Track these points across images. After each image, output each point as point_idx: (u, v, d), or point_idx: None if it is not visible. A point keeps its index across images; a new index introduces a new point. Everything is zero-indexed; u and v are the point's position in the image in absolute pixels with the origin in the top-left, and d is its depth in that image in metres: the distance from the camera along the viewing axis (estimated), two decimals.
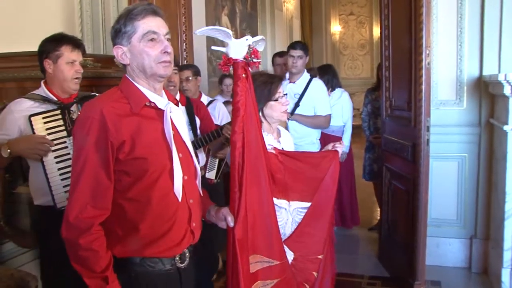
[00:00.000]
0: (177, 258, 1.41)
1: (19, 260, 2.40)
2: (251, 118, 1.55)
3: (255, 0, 7.03)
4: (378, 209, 4.05)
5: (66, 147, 1.96)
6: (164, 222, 1.36)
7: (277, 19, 7.90)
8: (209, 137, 2.48)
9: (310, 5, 10.72)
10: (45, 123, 1.93)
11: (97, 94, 2.05)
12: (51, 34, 2.04)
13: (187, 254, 1.44)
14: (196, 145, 2.51)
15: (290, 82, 3.35)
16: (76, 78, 2.02)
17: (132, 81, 1.38)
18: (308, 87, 3.32)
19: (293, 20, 9.06)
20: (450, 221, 3.28)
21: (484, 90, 3.10)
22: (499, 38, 3.01)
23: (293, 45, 3.32)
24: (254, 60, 1.51)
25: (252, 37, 1.53)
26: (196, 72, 2.97)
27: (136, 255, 1.35)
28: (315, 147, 3.28)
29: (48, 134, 1.93)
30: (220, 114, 3.02)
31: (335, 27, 11.31)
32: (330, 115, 3.35)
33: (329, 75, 4.02)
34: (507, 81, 2.60)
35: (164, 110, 1.39)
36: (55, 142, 1.93)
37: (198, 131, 2.64)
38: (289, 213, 1.89)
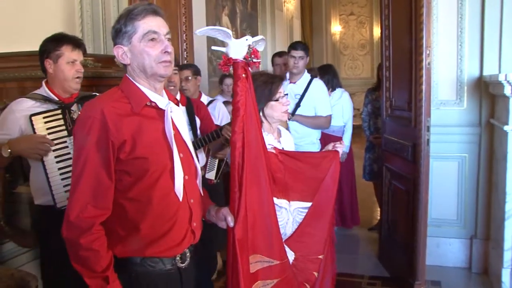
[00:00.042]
0: (178, 258, 1.41)
1: (19, 260, 2.40)
2: (251, 118, 1.55)
3: (256, 0, 7.03)
4: (378, 209, 4.05)
5: (67, 146, 1.96)
6: (165, 222, 1.36)
7: (278, 19, 7.90)
8: (209, 138, 2.48)
9: (311, 5, 10.72)
10: (45, 122, 1.94)
11: (97, 94, 2.05)
12: (52, 34, 2.04)
13: (188, 254, 1.44)
14: (196, 145, 2.51)
15: (290, 82, 3.35)
16: (77, 77, 2.03)
17: (133, 81, 1.38)
18: (309, 88, 3.31)
19: (293, 20, 9.06)
20: (450, 221, 3.28)
21: (485, 90, 3.10)
22: (499, 38, 3.01)
23: (294, 46, 3.31)
24: (254, 60, 1.51)
25: (252, 37, 1.53)
26: (196, 72, 2.96)
27: (136, 255, 1.35)
28: (315, 147, 3.28)
29: (49, 133, 1.93)
30: (220, 114, 3.02)
31: (336, 27, 11.31)
32: (330, 115, 3.35)
33: (329, 75, 4.02)
34: (508, 81, 2.60)
35: (164, 110, 1.39)
36: (56, 141, 1.93)
37: (198, 131, 2.64)
38: (290, 213, 1.89)
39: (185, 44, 3.34)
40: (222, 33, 1.47)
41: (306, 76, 3.36)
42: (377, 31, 10.59)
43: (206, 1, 5.02)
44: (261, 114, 1.94)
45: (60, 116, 1.98)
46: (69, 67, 2.00)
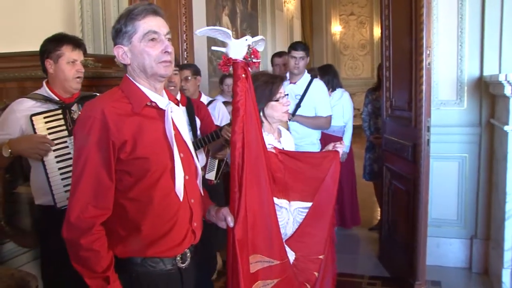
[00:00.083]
0: (178, 258, 1.41)
1: (19, 260, 2.40)
2: (251, 118, 1.55)
3: (256, 0, 7.03)
4: (379, 209, 4.05)
5: (67, 146, 1.96)
6: (166, 222, 1.36)
7: (278, 19, 7.90)
8: (208, 138, 2.47)
9: (311, 5, 10.72)
10: (46, 122, 1.94)
11: (98, 94, 2.05)
12: (52, 34, 2.04)
13: (188, 254, 1.44)
14: (195, 146, 2.51)
15: (290, 82, 3.34)
16: (78, 77, 2.03)
17: (133, 81, 1.38)
18: (309, 88, 3.31)
19: (293, 20, 9.06)
20: (451, 221, 3.28)
21: (485, 90, 3.10)
22: (499, 38, 3.01)
23: (294, 46, 3.29)
24: (254, 60, 1.51)
25: (252, 37, 1.53)
26: (196, 72, 2.95)
27: (137, 255, 1.35)
28: (315, 147, 3.28)
29: (49, 133, 1.93)
30: (220, 114, 3.01)
31: (336, 27, 11.31)
32: (330, 116, 3.35)
33: (329, 75, 4.02)
34: (508, 81, 2.60)
35: (165, 110, 1.39)
36: (56, 141, 1.93)
37: (198, 132, 2.64)
38: (290, 213, 1.89)
39: (185, 44, 3.34)
40: (222, 33, 1.47)
41: (306, 76, 3.36)
42: (377, 31, 10.59)
43: (206, 1, 5.02)
44: (261, 114, 1.94)
45: (61, 116, 1.98)
46: (70, 67, 2.00)
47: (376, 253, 3.57)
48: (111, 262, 1.30)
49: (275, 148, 1.91)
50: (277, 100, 1.95)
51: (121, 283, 1.31)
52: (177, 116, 1.43)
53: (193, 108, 2.64)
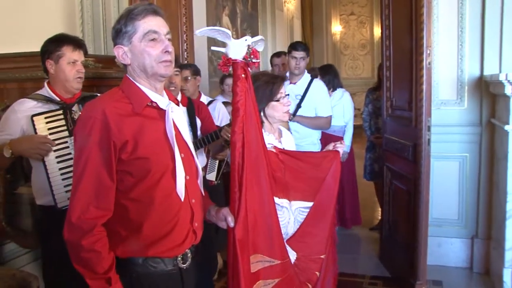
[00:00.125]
0: (179, 258, 1.41)
1: (21, 260, 2.41)
2: (251, 118, 1.55)
3: (256, 0, 7.03)
4: (379, 209, 4.06)
5: (68, 147, 1.96)
6: (167, 222, 1.35)
7: (278, 19, 7.90)
8: (208, 139, 2.47)
9: (311, 5, 10.72)
10: (47, 123, 1.94)
11: (98, 95, 2.05)
12: (52, 34, 2.05)
13: (189, 255, 1.44)
14: (195, 146, 2.51)
15: (290, 83, 3.33)
16: (79, 77, 2.03)
17: (133, 81, 1.38)
18: (309, 88, 3.31)
19: (293, 20, 9.06)
20: (452, 221, 3.28)
21: (485, 90, 3.10)
22: (500, 38, 3.01)
23: (295, 46, 3.28)
24: (254, 60, 1.51)
25: (252, 37, 1.53)
26: (195, 72, 2.95)
27: (138, 255, 1.35)
28: (316, 147, 3.28)
29: (50, 134, 1.94)
30: (220, 114, 3.01)
31: (336, 27, 11.31)
32: (331, 116, 3.35)
33: (330, 75, 4.02)
34: (508, 81, 2.60)
35: (165, 110, 1.39)
36: (57, 142, 1.94)
37: (199, 132, 2.64)
38: (291, 212, 1.89)
39: (185, 44, 3.34)
40: (221, 33, 1.47)
41: (307, 76, 3.36)
42: (377, 31, 10.59)
43: (207, 1, 5.03)
44: (262, 114, 1.94)
45: (62, 117, 1.98)
46: (70, 67, 2.01)
47: (377, 253, 3.57)
48: (113, 263, 1.30)
49: (275, 147, 1.91)
50: (277, 100, 1.95)
51: (122, 283, 1.31)
52: (177, 116, 1.43)
53: (194, 109, 2.64)
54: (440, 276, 3.11)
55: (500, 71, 2.97)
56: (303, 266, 1.88)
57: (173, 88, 2.44)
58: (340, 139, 2.44)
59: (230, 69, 1.52)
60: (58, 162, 1.93)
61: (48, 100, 2.01)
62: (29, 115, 1.93)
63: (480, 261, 3.18)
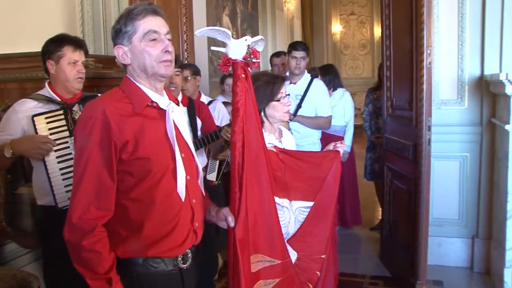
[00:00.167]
0: (180, 258, 1.41)
1: (21, 260, 2.41)
2: (251, 118, 1.55)
3: (256, 0, 7.03)
4: (380, 208, 4.06)
5: (68, 147, 1.97)
6: (167, 222, 1.35)
7: (278, 19, 7.90)
8: (207, 139, 2.47)
9: (311, 5, 10.72)
10: (47, 123, 1.95)
11: (99, 95, 2.06)
12: (52, 34, 2.05)
13: (190, 255, 1.44)
14: (195, 146, 2.51)
15: (290, 83, 3.32)
16: (79, 78, 2.04)
17: (134, 81, 1.38)
18: (310, 88, 3.31)
19: (294, 20, 9.06)
20: (452, 220, 3.27)
21: (486, 89, 3.10)
22: (500, 38, 3.00)
23: (295, 46, 3.27)
24: (254, 60, 1.51)
25: (252, 37, 1.53)
26: (195, 72, 2.95)
27: (139, 255, 1.35)
28: (316, 147, 3.28)
29: (51, 134, 1.94)
30: (220, 114, 3.01)
31: (336, 27, 11.30)
32: (331, 116, 3.34)
33: (331, 75, 4.02)
34: (509, 80, 2.60)
35: (166, 110, 1.38)
36: (58, 142, 1.94)
37: (199, 133, 2.64)
38: (291, 212, 1.89)
39: (185, 44, 3.34)
40: (221, 33, 1.47)
41: (307, 76, 3.36)
42: (377, 31, 10.58)
43: (207, 1, 5.03)
44: (262, 114, 1.94)
45: (62, 117, 1.99)
46: (71, 67, 2.01)
47: (377, 253, 3.57)
48: (113, 263, 1.30)
49: (275, 147, 1.91)
50: (278, 100, 1.95)
51: (122, 284, 1.31)
52: (177, 116, 1.43)
53: (194, 109, 2.64)
54: (440, 276, 3.11)
55: (501, 71, 2.97)
56: (304, 266, 1.88)
57: (173, 88, 2.44)
58: (340, 139, 2.44)
59: (230, 69, 1.52)
60: (58, 162, 1.94)
61: (49, 100, 2.02)
62: (29, 115, 1.93)
63: (480, 261, 3.18)
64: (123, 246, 1.34)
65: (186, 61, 3.31)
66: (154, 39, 1.33)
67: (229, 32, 1.47)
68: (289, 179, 1.89)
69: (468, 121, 3.18)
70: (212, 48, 1.59)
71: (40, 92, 2.05)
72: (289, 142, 2.12)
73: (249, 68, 1.54)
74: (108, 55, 3.20)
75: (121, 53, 1.36)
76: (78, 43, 2.05)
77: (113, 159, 1.28)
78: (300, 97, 3.29)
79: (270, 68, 4.14)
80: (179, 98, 2.53)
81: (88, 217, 1.26)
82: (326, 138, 3.46)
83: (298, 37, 9.22)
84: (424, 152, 2.68)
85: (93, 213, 1.27)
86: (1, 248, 2.36)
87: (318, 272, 1.91)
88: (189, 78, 2.87)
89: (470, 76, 3.14)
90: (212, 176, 2.77)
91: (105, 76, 2.66)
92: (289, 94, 2.03)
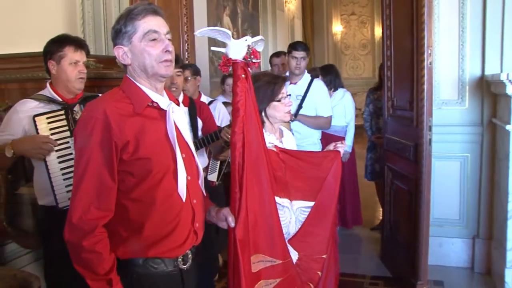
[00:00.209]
0: (180, 259, 1.40)
1: (22, 260, 2.41)
2: (251, 118, 1.55)
3: (257, 1, 7.03)
4: (380, 209, 4.05)
5: (69, 147, 1.97)
6: (168, 222, 1.35)
7: (279, 19, 7.90)
8: (208, 139, 2.47)
9: (312, 5, 10.72)
10: (49, 123, 1.95)
11: (100, 95, 2.06)
12: (53, 35, 2.05)
13: (190, 256, 1.43)
14: (195, 146, 2.51)
15: (291, 83, 3.32)
16: (81, 78, 2.04)
17: (134, 81, 1.38)
18: (310, 89, 3.30)
19: (294, 20, 9.06)
20: (453, 221, 3.27)
21: (486, 89, 3.09)
22: (501, 38, 3.00)
23: (295, 46, 3.27)
24: (254, 60, 1.51)
25: (253, 37, 1.53)
26: (195, 72, 2.95)
27: (139, 255, 1.35)
28: (316, 147, 3.28)
29: (52, 134, 1.95)
30: (220, 114, 3.01)
31: (337, 27, 11.30)
32: (331, 116, 3.34)
33: (331, 75, 4.02)
34: (509, 81, 2.60)
35: (166, 111, 1.38)
36: (58, 142, 1.94)
37: (200, 133, 2.63)
38: (292, 212, 1.89)
39: (186, 44, 3.34)
40: (221, 33, 1.47)
41: (307, 76, 3.35)
42: (378, 31, 10.58)
43: (207, 1, 5.03)
44: (263, 114, 1.94)
45: (63, 117, 1.99)
46: (72, 68, 2.02)
47: (378, 253, 3.56)
48: (114, 264, 1.30)
49: (275, 146, 1.91)
50: (279, 101, 1.95)
51: (122, 285, 1.31)
52: (178, 116, 1.43)
53: (195, 109, 2.64)
54: (441, 276, 3.11)
55: (501, 71, 2.96)
56: (305, 266, 1.87)
57: (174, 88, 2.44)
58: (341, 139, 2.44)
59: (230, 69, 1.52)
60: (59, 162, 1.94)
61: (50, 100, 2.02)
62: (31, 115, 1.93)
63: (481, 261, 3.18)
64: (123, 246, 1.33)
65: (187, 61, 3.31)
66: (154, 39, 1.33)
67: (229, 32, 1.47)
68: (290, 179, 1.89)
69: (469, 121, 3.18)
70: (212, 48, 1.59)
71: (42, 92, 2.06)
72: (289, 142, 2.12)
73: (249, 68, 1.54)
74: (109, 55, 3.21)
75: (121, 53, 1.36)
76: (79, 43, 2.06)
77: (113, 159, 1.28)
78: (300, 98, 3.29)
79: (270, 68, 4.14)
80: (181, 98, 2.53)
81: (89, 218, 1.26)
82: (327, 138, 3.45)
83: (298, 37, 9.22)
84: (425, 152, 2.68)
85: (94, 214, 1.26)
86: (2, 248, 2.36)
87: (319, 272, 1.91)
88: (189, 78, 2.87)
89: (471, 76, 3.14)
90: (213, 177, 2.78)
91: (106, 76, 2.67)
92: (290, 95, 2.03)
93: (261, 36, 1.58)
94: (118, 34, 1.34)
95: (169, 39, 1.37)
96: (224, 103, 3.26)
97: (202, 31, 1.49)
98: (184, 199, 1.37)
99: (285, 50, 3.58)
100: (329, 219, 1.98)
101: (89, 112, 1.31)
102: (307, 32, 10.10)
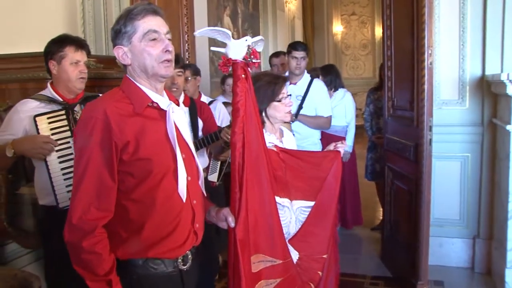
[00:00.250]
0: (180, 260, 1.40)
1: (22, 260, 2.41)
2: (251, 118, 1.55)
3: (257, 1, 7.04)
4: (381, 209, 4.05)
5: (70, 147, 1.97)
6: (168, 223, 1.35)
7: (279, 19, 7.90)
8: (207, 140, 2.47)
9: (312, 5, 10.71)
10: (49, 123, 1.95)
11: (101, 95, 2.06)
12: (53, 35, 2.06)
13: (190, 256, 1.43)
14: (194, 147, 2.50)
15: (291, 83, 3.31)
16: (81, 77, 2.04)
17: (134, 81, 1.38)
18: (310, 89, 3.30)
19: (295, 21, 9.06)
20: (453, 221, 3.27)
21: (487, 89, 3.09)
22: (501, 38, 3.00)
23: (295, 46, 3.27)
24: (254, 60, 1.51)
25: (253, 37, 1.53)
26: (195, 72, 2.94)
27: (139, 256, 1.35)
28: (317, 147, 3.28)
29: (52, 134, 1.95)
30: (220, 114, 3.01)
31: (337, 27, 11.30)
32: (331, 116, 3.34)
33: (332, 75, 4.02)
34: (510, 81, 2.60)
35: (166, 111, 1.38)
36: (59, 142, 1.95)
37: (200, 133, 2.63)
38: (292, 212, 1.89)
39: (187, 44, 3.34)
40: (221, 33, 1.47)
41: (306, 76, 3.35)
42: (378, 31, 10.57)
43: (208, 1, 5.03)
44: (263, 114, 1.94)
45: (64, 117, 1.99)
46: (73, 68, 2.02)
47: (378, 253, 3.56)
48: (113, 265, 1.30)
49: (276, 146, 1.91)
50: (279, 101, 1.95)
51: (122, 285, 1.31)
52: (178, 116, 1.43)
53: (196, 109, 2.64)
54: (441, 276, 3.11)
55: (502, 71, 2.96)
56: (305, 266, 1.87)
57: (175, 89, 2.44)
58: (341, 139, 2.44)
59: (230, 69, 1.52)
60: (60, 162, 1.94)
61: (51, 100, 2.02)
62: (31, 115, 1.94)
63: (481, 261, 3.17)
64: (123, 247, 1.33)
65: (187, 61, 3.32)
66: (154, 39, 1.33)
67: (229, 33, 1.47)
68: (290, 179, 1.89)
69: (469, 121, 3.17)
70: (212, 48, 1.59)
71: (42, 92, 2.06)
72: (290, 143, 2.12)
73: (249, 69, 1.54)
74: (109, 55, 3.21)
75: (121, 54, 1.36)
76: (80, 44, 2.06)
77: (113, 159, 1.28)
78: (300, 98, 3.29)
79: (270, 68, 4.14)
80: (181, 98, 2.53)
81: (89, 218, 1.26)
82: (327, 138, 3.45)
83: (299, 37, 9.22)
84: (425, 152, 2.68)
85: (94, 214, 1.26)
86: (2, 248, 2.36)
87: (319, 272, 1.91)
88: (189, 78, 2.87)
89: (471, 76, 3.14)
90: (213, 177, 2.78)
91: (106, 76, 2.67)
92: (290, 95, 2.03)
93: (261, 36, 1.58)
94: (118, 34, 1.34)
95: (169, 39, 1.37)
96: (224, 103, 3.26)
97: (202, 31, 1.49)
98: (184, 200, 1.37)
99: (286, 50, 3.58)
100: (330, 219, 1.98)
101: (89, 112, 1.31)
102: (307, 32, 10.09)
